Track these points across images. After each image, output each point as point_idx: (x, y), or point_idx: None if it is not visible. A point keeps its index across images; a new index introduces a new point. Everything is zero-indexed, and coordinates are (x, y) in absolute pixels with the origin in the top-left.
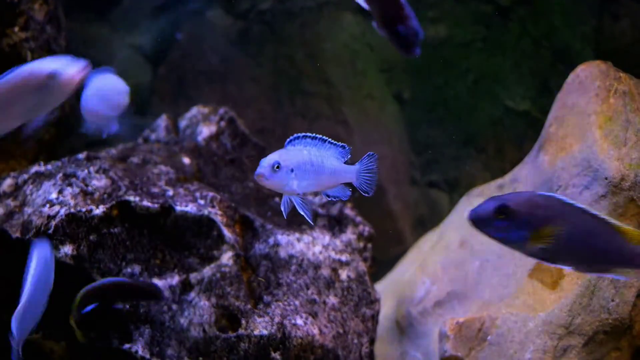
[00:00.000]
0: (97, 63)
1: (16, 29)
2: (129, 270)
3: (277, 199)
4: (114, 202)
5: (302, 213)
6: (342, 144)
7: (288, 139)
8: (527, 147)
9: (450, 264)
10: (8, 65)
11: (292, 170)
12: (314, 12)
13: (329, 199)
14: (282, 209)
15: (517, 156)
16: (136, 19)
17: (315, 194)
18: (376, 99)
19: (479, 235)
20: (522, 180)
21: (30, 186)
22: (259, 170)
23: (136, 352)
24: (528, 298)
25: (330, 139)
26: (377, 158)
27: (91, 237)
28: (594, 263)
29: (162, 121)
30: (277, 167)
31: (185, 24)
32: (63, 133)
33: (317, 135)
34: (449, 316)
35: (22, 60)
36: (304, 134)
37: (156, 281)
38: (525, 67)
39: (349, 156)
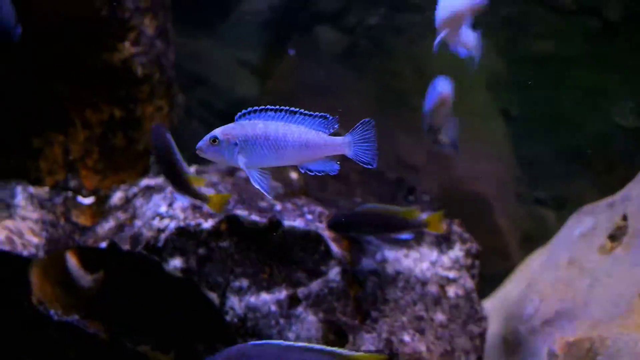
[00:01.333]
0: (204, 77)
1: (127, 43)
2: (237, 284)
3: None
4: (222, 217)
5: (256, 186)
6: (323, 114)
7: (239, 113)
8: (638, 164)
9: (559, 282)
10: (119, 80)
11: (235, 144)
12: (421, 27)
13: (312, 174)
14: (255, 185)
15: (627, 174)
16: (244, 34)
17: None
18: (482, 114)
19: (588, 254)
20: (633, 199)
21: (141, 199)
22: (199, 143)
23: None
24: (639, 318)
25: (303, 110)
26: (373, 125)
27: (200, 251)
28: None
29: None
30: (214, 141)
31: (293, 39)
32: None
33: (284, 107)
34: (558, 335)
35: (132, 75)
36: (265, 107)
37: (264, 296)
38: (635, 83)
39: (336, 126)
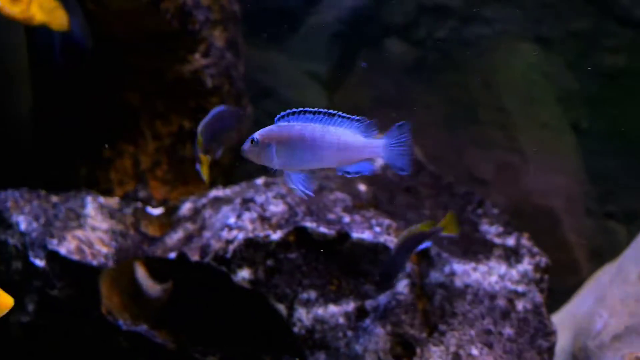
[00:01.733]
0: (273, 89)
1: (197, 55)
2: (304, 295)
3: None
4: (291, 228)
5: (292, 187)
6: (359, 117)
7: (279, 115)
8: None
9: (629, 297)
10: (189, 91)
11: (271, 146)
12: (490, 40)
13: (350, 176)
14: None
15: None
16: (312, 46)
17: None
18: (553, 128)
19: None
20: None
21: (209, 210)
22: (243, 145)
23: None
24: None
25: (342, 113)
26: (409, 128)
27: (268, 262)
28: None
29: None
30: (253, 142)
31: (361, 51)
32: (240, 157)
33: (322, 110)
34: (627, 350)
35: (202, 86)
36: (304, 109)
37: (332, 307)
38: None
39: (374, 130)
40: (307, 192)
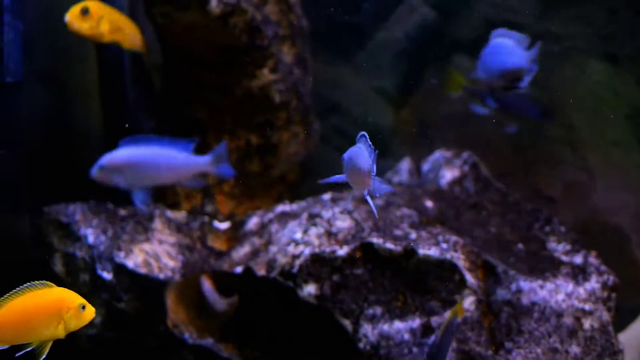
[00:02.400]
0: (340, 105)
1: (265, 70)
2: (370, 311)
3: (519, 245)
4: (357, 244)
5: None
6: (183, 139)
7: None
8: None
9: None
10: (257, 106)
11: (118, 170)
12: (558, 57)
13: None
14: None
15: None
16: (380, 62)
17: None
18: (621, 145)
19: None
20: None
21: (276, 225)
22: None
23: None
24: None
25: (167, 136)
26: (226, 145)
27: (334, 278)
28: None
29: (405, 164)
30: (100, 168)
31: (429, 67)
32: (306, 173)
33: (151, 135)
34: None
35: (270, 101)
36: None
37: (397, 324)
38: None
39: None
40: (142, 207)
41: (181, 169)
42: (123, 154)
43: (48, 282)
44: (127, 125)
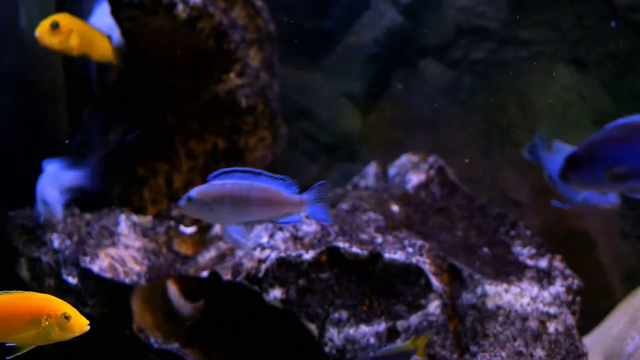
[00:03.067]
0: (308, 109)
1: (232, 75)
2: (336, 315)
3: (485, 249)
4: (323, 248)
5: (226, 239)
6: (282, 176)
7: (212, 174)
8: None
9: None
10: (223, 110)
11: (207, 204)
12: (526, 62)
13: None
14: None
15: None
16: (348, 67)
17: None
18: None
19: None
20: None
21: None
22: (179, 201)
23: None
24: None
25: (267, 172)
26: (329, 187)
27: (300, 282)
28: None
29: (372, 168)
30: (190, 200)
31: (397, 72)
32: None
33: (249, 169)
34: None
35: (237, 106)
36: (233, 168)
37: (363, 328)
38: None
39: (295, 188)
40: (242, 241)
41: (274, 206)
42: (213, 187)
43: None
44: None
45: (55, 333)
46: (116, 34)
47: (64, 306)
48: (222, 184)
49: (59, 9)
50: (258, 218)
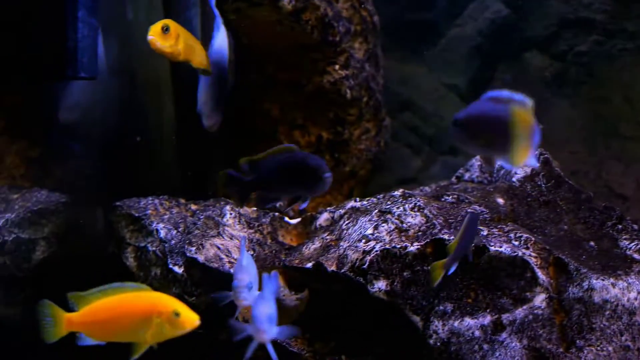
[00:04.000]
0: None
1: (337, 66)
2: (441, 308)
3: (591, 243)
4: (428, 240)
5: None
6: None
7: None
8: None
9: None
10: (328, 102)
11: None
12: (633, 54)
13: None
14: None
15: None
16: (452, 59)
17: None
18: None
19: None
20: None
21: (347, 221)
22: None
23: None
24: None
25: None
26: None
27: (405, 274)
28: None
29: (477, 161)
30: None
31: (501, 64)
32: (377, 169)
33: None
34: None
35: (341, 97)
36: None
37: (468, 320)
38: None
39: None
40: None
41: None
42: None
43: (143, 285)
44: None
45: (167, 330)
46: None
47: (174, 303)
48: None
49: (166, 5)
50: None
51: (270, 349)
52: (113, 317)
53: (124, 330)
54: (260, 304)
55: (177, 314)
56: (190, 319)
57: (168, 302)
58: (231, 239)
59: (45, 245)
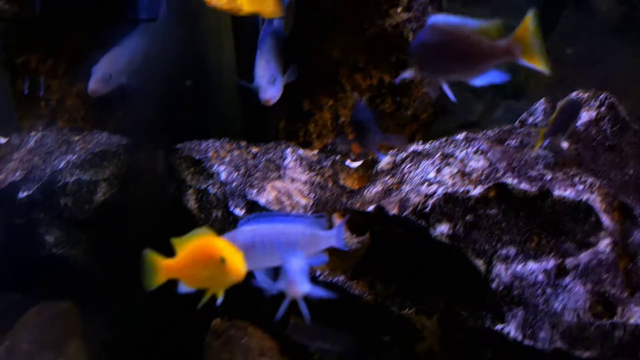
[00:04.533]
0: None
1: (399, 9)
2: (504, 252)
3: None
4: (491, 184)
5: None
6: (314, 215)
7: (242, 220)
8: None
9: None
10: (390, 45)
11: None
12: None
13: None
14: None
15: None
16: (516, 3)
17: None
18: None
19: None
20: None
21: (408, 165)
22: None
23: (508, 333)
24: None
25: (295, 214)
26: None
27: (467, 218)
28: None
29: (541, 105)
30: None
31: (566, 8)
32: (438, 112)
33: (278, 213)
34: None
35: (404, 41)
36: (262, 213)
37: (531, 264)
38: None
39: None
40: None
41: (304, 247)
42: (241, 235)
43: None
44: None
45: (227, 276)
46: None
47: (223, 247)
48: (252, 229)
49: None
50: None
51: (303, 306)
52: (190, 263)
53: (197, 277)
54: (292, 259)
55: (222, 260)
56: (236, 265)
57: (227, 248)
58: (292, 181)
59: (106, 187)
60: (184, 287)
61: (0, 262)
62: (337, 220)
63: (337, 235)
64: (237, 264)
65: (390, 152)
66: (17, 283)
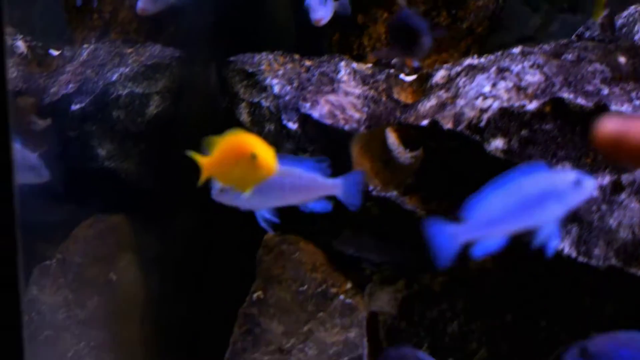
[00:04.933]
0: None
1: None
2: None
3: None
4: (547, 98)
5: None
6: (320, 157)
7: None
8: None
9: None
10: None
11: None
12: None
13: (307, 210)
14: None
15: None
16: None
17: None
18: None
19: None
20: None
21: (463, 78)
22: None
23: (562, 249)
24: None
25: (292, 156)
26: (364, 175)
27: (522, 132)
28: None
29: (600, 19)
30: (222, 189)
31: None
32: (495, 26)
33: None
34: None
35: None
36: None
37: None
38: None
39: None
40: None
41: (306, 191)
42: None
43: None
44: None
45: (258, 171)
46: None
47: (255, 145)
48: None
49: None
50: (290, 203)
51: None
52: (224, 160)
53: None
54: None
55: (254, 156)
56: (267, 161)
57: (254, 142)
58: (346, 95)
59: (159, 99)
60: (217, 188)
61: (53, 174)
62: (391, 134)
63: (344, 186)
64: (268, 160)
65: (445, 65)
66: (69, 196)
